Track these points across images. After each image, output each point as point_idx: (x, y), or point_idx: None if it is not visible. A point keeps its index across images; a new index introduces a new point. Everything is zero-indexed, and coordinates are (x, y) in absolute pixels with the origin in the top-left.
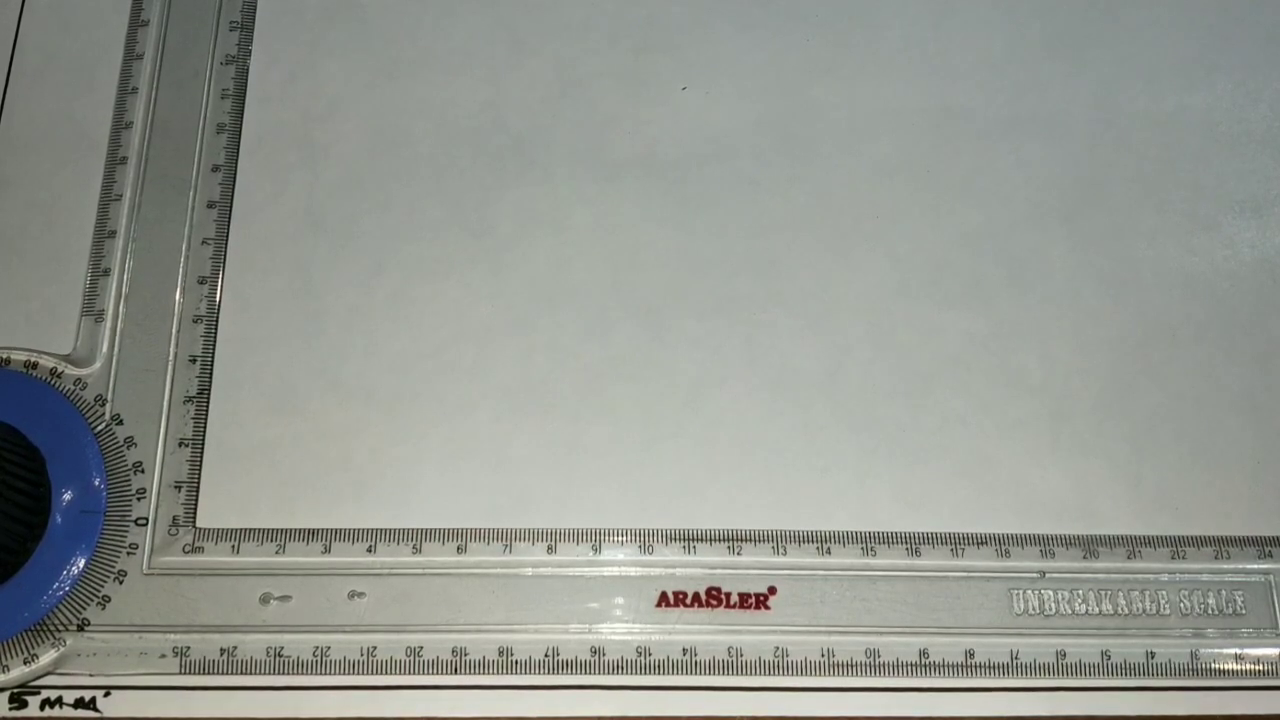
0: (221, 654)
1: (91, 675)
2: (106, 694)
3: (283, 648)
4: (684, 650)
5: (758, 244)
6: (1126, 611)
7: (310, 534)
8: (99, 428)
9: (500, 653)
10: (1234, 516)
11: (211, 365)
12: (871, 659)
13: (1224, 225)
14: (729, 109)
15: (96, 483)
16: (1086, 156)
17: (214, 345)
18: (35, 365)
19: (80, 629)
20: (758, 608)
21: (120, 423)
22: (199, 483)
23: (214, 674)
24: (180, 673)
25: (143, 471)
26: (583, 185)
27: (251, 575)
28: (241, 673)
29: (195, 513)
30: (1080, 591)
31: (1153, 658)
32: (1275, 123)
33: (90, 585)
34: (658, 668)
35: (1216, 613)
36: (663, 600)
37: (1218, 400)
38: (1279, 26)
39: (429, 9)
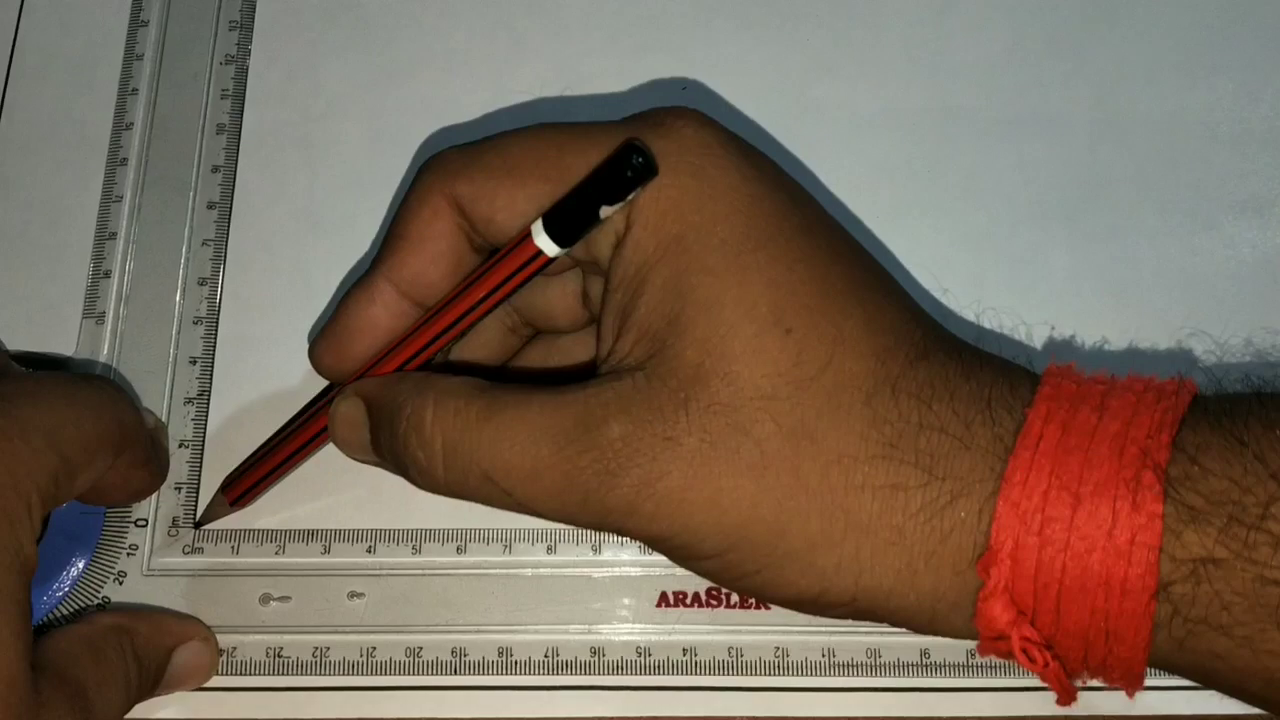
0: (221, 655)
1: None
2: None
3: (282, 648)
4: (684, 650)
5: None
6: None
7: (310, 534)
8: None
9: (500, 653)
10: None
11: (212, 366)
12: (872, 659)
13: (1224, 225)
14: (729, 109)
15: None
16: (1086, 156)
17: (214, 346)
18: None
19: None
20: (758, 607)
21: None
22: (199, 483)
23: (213, 674)
24: None
25: None
26: None
27: (251, 576)
28: (241, 673)
29: (195, 513)
30: None
31: None
32: (1276, 122)
33: (90, 586)
34: (658, 668)
35: None
36: (663, 600)
37: None
38: (1279, 26)
39: (429, 9)
